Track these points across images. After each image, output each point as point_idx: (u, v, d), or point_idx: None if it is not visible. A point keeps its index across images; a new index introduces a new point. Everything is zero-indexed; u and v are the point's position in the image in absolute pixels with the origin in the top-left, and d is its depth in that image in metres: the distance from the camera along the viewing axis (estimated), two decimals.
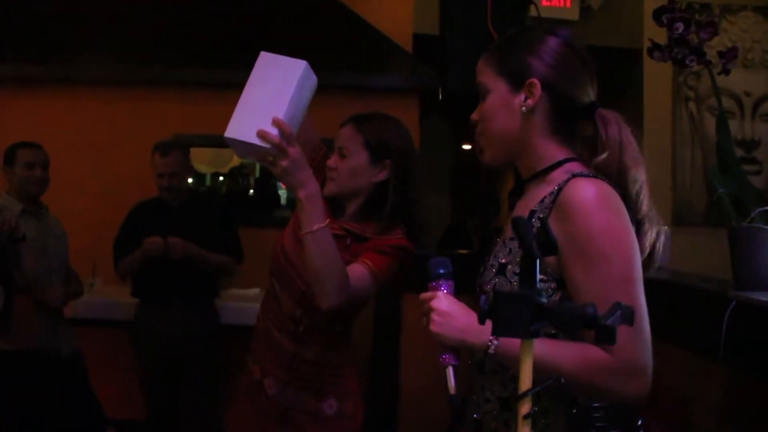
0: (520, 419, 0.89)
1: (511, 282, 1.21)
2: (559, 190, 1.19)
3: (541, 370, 0.94)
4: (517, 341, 0.88)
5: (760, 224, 1.91)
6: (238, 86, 1.49)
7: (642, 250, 1.20)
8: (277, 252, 1.90)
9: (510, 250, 1.25)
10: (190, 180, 3.84)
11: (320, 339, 1.86)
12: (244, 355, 1.99)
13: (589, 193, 1.15)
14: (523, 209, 1.27)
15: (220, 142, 1.48)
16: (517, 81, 1.26)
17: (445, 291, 1.23)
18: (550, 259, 1.13)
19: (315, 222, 1.53)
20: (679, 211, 4.49)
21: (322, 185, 1.81)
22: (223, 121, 1.46)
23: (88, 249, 3.66)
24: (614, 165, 1.21)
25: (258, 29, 4.16)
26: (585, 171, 1.22)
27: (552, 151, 1.27)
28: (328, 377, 1.88)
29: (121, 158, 4.06)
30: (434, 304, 1.20)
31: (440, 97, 3.56)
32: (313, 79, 1.55)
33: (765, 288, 1.94)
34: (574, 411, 1.08)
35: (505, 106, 1.27)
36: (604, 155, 1.21)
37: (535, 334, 0.88)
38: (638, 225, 1.21)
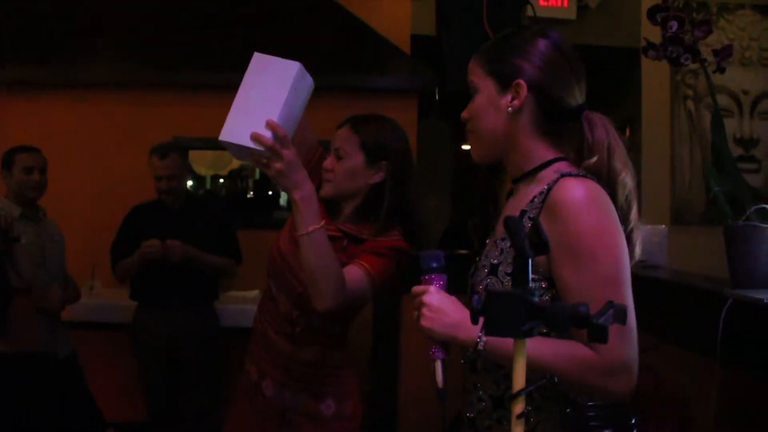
0: (513, 418, 0.89)
1: (502, 282, 1.22)
2: (549, 189, 1.20)
3: (527, 368, 0.95)
4: (505, 338, 0.88)
5: (756, 222, 1.91)
6: (237, 88, 1.50)
7: (630, 257, 1.21)
8: (274, 254, 1.90)
9: (501, 250, 1.26)
10: (190, 183, 3.84)
11: (317, 340, 1.86)
12: (243, 357, 1.99)
13: (578, 192, 1.16)
14: (513, 209, 1.28)
15: (219, 144, 1.48)
16: (504, 81, 1.27)
17: (437, 285, 1.24)
18: (540, 259, 1.14)
19: (310, 223, 1.53)
20: (678, 210, 4.47)
21: (319, 187, 1.81)
22: (222, 124, 1.47)
23: (87, 251, 3.66)
24: (604, 169, 1.22)
25: (257, 31, 4.16)
26: (574, 170, 1.22)
27: (540, 151, 1.28)
28: (325, 378, 1.88)
29: (121, 160, 4.07)
30: (426, 298, 1.21)
31: (437, 98, 3.57)
32: (308, 80, 1.55)
33: (761, 286, 1.94)
34: (568, 410, 1.08)
35: (493, 106, 1.29)
36: (593, 159, 1.22)
37: (528, 334, 0.88)
38: (627, 237, 1.22)
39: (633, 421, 1.14)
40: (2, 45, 4.21)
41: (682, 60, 1.92)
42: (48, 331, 3.00)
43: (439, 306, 1.19)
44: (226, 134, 1.46)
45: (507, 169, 1.34)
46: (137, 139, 3.86)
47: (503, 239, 1.26)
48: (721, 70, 1.98)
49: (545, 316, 0.89)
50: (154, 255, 3.17)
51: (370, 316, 3.57)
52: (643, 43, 2.04)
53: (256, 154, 1.46)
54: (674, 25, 1.88)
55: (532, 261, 0.88)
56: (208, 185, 5.12)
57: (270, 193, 4.84)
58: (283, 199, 4.70)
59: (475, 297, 0.92)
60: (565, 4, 4.41)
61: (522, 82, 1.25)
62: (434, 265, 1.25)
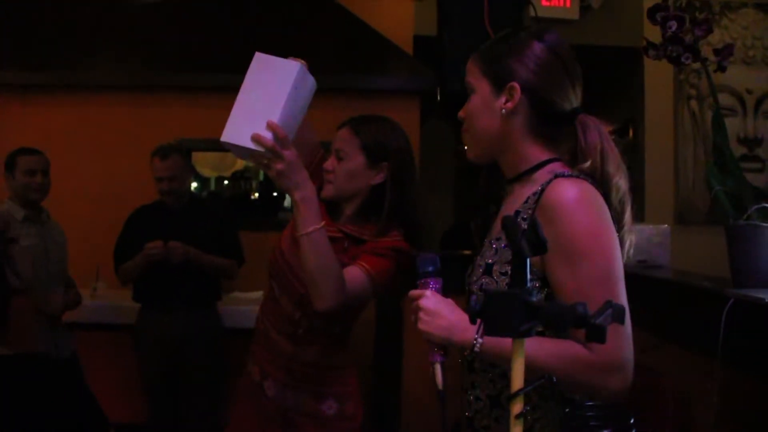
0: (512, 419, 0.89)
1: (497, 282, 1.23)
2: (542, 190, 1.21)
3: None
4: (501, 338, 0.88)
5: (758, 221, 1.91)
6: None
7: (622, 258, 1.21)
8: (276, 254, 1.91)
9: (496, 250, 1.27)
10: (195, 184, 3.85)
11: (319, 341, 1.86)
12: (246, 358, 2.00)
13: (571, 193, 1.17)
14: (509, 209, 1.29)
15: (221, 145, 1.49)
16: (499, 83, 1.28)
17: (433, 289, 1.25)
18: (534, 258, 1.14)
19: (310, 223, 1.54)
20: (681, 209, 4.47)
21: (320, 187, 1.81)
22: (225, 125, 1.47)
23: (91, 253, 3.67)
24: (597, 173, 1.23)
25: (259, 32, 4.17)
26: (568, 171, 1.23)
27: (534, 152, 1.29)
28: (327, 378, 1.88)
29: (125, 162, 4.08)
30: (422, 302, 1.23)
31: (439, 98, 3.57)
32: (309, 80, 1.55)
33: (763, 285, 1.94)
34: (568, 410, 1.09)
35: (488, 107, 1.30)
36: (586, 164, 1.23)
37: (526, 334, 0.89)
38: (620, 239, 1.22)
39: (632, 421, 1.14)
40: (5, 49, 4.22)
41: (682, 59, 1.92)
42: (48, 332, 3.00)
43: (435, 309, 1.21)
44: (228, 135, 1.47)
45: (502, 169, 1.35)
46: (141, 141, 3.87)
47: (498, 239, 1.27)
48: (722, 69, 1.98)
49: (543, 316, 0.89)
50: (156, 256, 3.17)
51: (372, 316, 3.57)
52: (644, 43, 2.04)
53: (257, 155, 1.47)
54: (674, 24, 1.88)
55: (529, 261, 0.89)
56: (212, 187, 5.14)
57: (275, 194, 4.85)
58: (288, 200, 4.71)
59: (474, 297, 0.92)
60: (568, 4, 4.41)
61: (516, 84, 1.26)
62: (430, 269, 1.27)
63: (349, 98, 3.81)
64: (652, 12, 1.94)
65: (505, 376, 1.22)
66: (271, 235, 2.68)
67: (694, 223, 4.36)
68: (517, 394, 0.88)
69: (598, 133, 1.25)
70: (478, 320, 0.89)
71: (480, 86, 1.31)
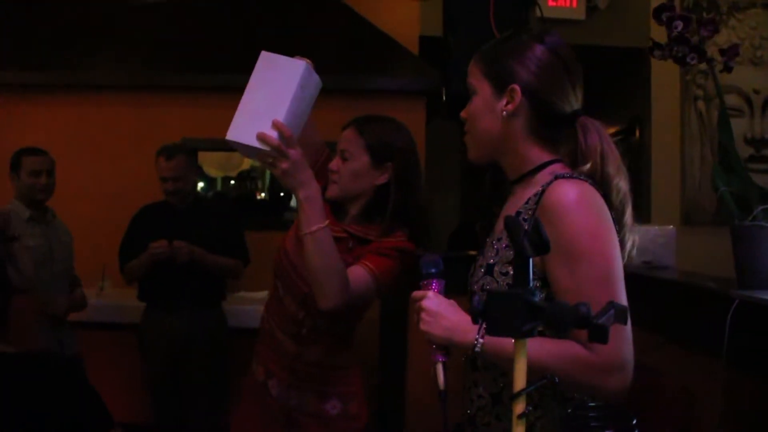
0: (514, 419, 0.89)
1: (498, 281, 1.24)
2: (543, 191, 1.22)
3: None
4: (502, 339, 0.88)
5: (763, 222, 1.90)
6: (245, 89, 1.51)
7: (622, 259, 1.22)
8: (280, 254, 1.91)
9: (497, 250, 1.27)
10: (201, 184, 3.85)
11: (323, 341, 1.86)
12: (250, 357, 2.00)
13: (571, 194, 1.18)
14: (510, 210, 1.30)
15: (227, 145, 1.50)
16: (500, 85, 1.29)
17: (435, 290, 1.26)
18: (534, 259, 1.14)
19: (314, 222, 1.55)
20: (688, 210, 4.45)
21: (325, 187, 1.82)
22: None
23: (98, 252, 3.69)
24: (597, 174, 1.24)
25: (264, 32, 4.18)
26: (568, 172, 1.24)
27: (535, 154, 1.30)
28: (331, 378, 1.88)
29: (132, 162, 4.09)
30: (424, 303, 1.24)
31: (444, 99, 3.56)
32: (315, 79, 1.56)
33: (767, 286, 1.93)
34: (569, 410, 1.09)
35: (488, 109, 1.31)
36: (587, 166, 1.23)
37: (528, 334, 0.88)
38: (620, 240, 1.23)
39: (634, 422, 1.14)
40: (7, 48, 4.25)
41: (688, 59, 1.92)
42: (51, 331, 3.01)
43: (437, 310, 1.22)
44: (233, 133, 1.48)
45: (504, 170, 1.35)
46: (144, 141, 3.89)
47: (499, 239, 1.28)
48: (727, 69, 1.97)
49: (546, 316, 0.89)
50: (161, 256, 3.18)
51: (377, 316, 3.57)
52: (650, 44, 2.04)
53: (263, 154, 1.48)
54: (679, 24, 1.88)
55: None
56: (219, 187, 5.15)
57: (282, 194, 4.86)
58: (294, 200, 4.71)
59: (476, 297, 0.92)
60: (574, 4, 4.40)
61: (516, 87, 1.27)
62: (433, 270, 1.28)
63: (354, 98, 3.82)
64: (657, 12, 1.94)
65: (506, 374, 1.22)
66: (277, 235, 2.68)
67: (701, 223, 4.34)
68: (519, 394, 0.88)
69: (598, 134, 1.26)
70: (480, 321, 0.89)
71: (481, 88, 1.32)
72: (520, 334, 0.88)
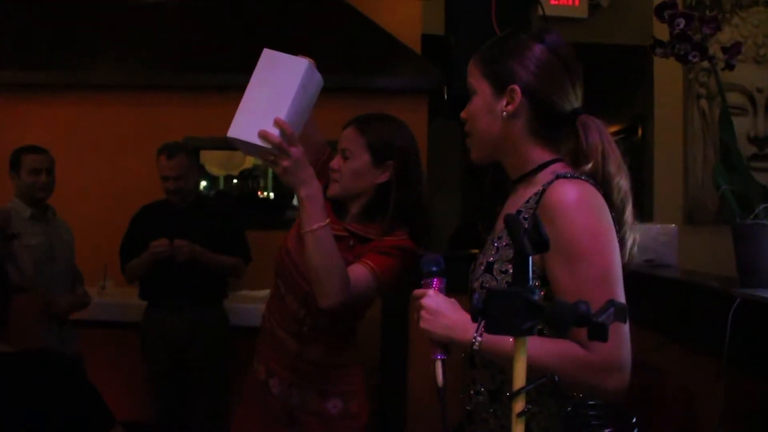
0: (513, 417, 0.89)
1: (497, 279, 1.24)
2: (543, 190, 1.22)
3: None
4: (500, 337, 0.88)
5: (765, 221, 1.90)
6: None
7: (622, 258, 1.22)
8: (282, 253, 1.91)
9: (497, 248, 1.28)
10: (204, 183, 3.85)
11: (324, 339, 1.86)
12: (252, 356, 2.00)
13: (571, 194, 1.18)
14: (510, 208, 1.30)
15: (229, 144, 1.50)
16: (499, 86, 1.29)
17: (436, 288, 1.27)
18: (534, 257, 1.15)
19: (315, 221, 1.55)
20: (690, 209, 4.43)
21: (326, 186, 1.82)
22: None
23: (99, 251, 3.69)
24: (598, 174, 1.24)
25: (266, 31, 4.18)
26: (569, 172, 1.24)
27: (536, 153, 1.30)
28: (332, 377, 1.88)
29: (134, 160, 4.10)
30: (424, 301, 1.24)
31: (446, 98, 3.56)
32: (317, 78, 1.56)
33: None
34: (569, 409, 1.09)
35: (488, 109, 1.31)
36: (588, 165, 1.23)
37: (528, 332, 0.88)
38: (621, 238, 1.23)
39: (634, 420, 1.14)
40: (7, 48, 4.25)
41: (690, 57, 1.91)
42: (52, 329, 3.01)
43: (437, 308, 1.23)
44: (234, 131, 1.48)
45: (506, 170, 1.35)
46: (144, 140, 3.89)
47: (500, 238, 1.29)
48: (729, 67, 1.96)
49: (545, 314, 0.89)
50: (162, 255, 3.18)
51: (378, 314, 3.57)
52: (651, 41, 2.03)
53: (264, 151, 1.48)
54: (681, 22, 1.87)
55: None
56: (221, 185, 5.16)
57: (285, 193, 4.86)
58: (296, 199, 4.71)
59: (476, 296, 0.92)
60: (576, 2, 4.40)
61: (516, 87, 1.27)
62: (434, 268, 1.29)
63: (356, 97, 3.81)
64: (659, 9, 1.93)
65: (504, 371, 1.23)
66: (278, 234, 2.69)
67: (703, 222, 4.32)
68: (519, 392, 0.88)
69: (598, 132, 1.26)
70: (480, 319, 0.89)
71: (481, 88, 1.32)
72: (520, 333, 0.88)
